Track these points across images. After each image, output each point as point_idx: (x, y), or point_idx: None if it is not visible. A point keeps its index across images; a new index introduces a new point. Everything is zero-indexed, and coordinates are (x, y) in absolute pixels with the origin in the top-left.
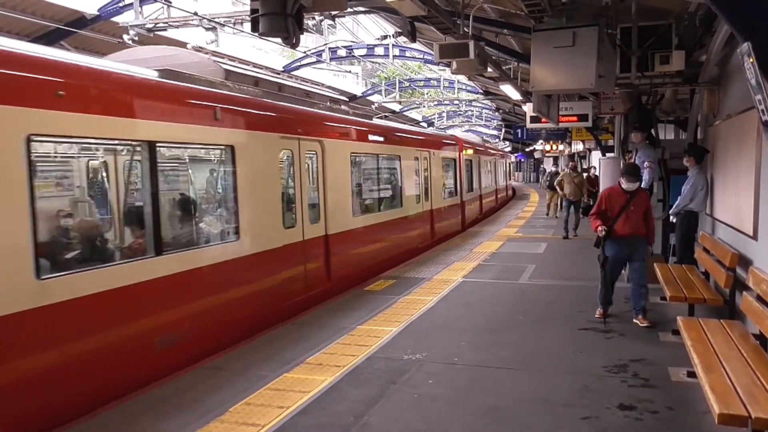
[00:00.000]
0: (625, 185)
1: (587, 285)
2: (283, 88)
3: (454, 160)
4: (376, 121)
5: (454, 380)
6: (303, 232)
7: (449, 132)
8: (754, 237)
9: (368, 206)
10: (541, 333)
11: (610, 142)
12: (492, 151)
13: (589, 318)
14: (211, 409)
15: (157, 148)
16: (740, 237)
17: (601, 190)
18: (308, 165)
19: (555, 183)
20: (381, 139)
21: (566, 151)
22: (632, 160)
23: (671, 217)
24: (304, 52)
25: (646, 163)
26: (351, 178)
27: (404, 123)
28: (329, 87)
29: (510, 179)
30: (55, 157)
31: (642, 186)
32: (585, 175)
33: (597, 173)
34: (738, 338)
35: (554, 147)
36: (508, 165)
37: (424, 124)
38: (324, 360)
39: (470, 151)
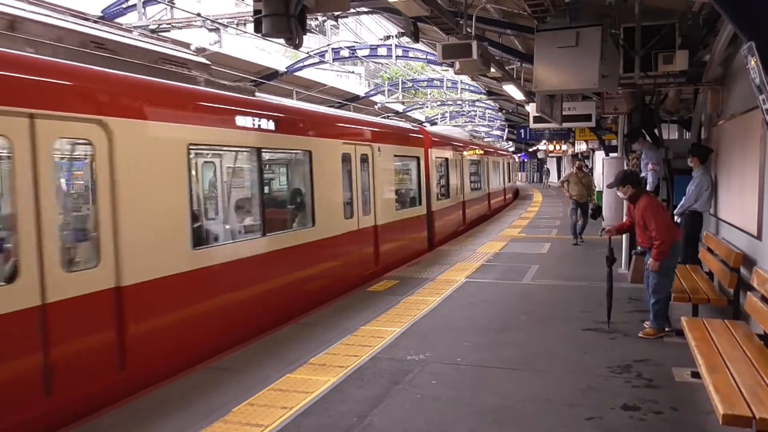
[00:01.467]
0: (619, 194)
1: (591, 285)
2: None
3: (418, 158)
4: (261, 96)
5: (457, 380)
6: (43, 288)
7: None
8: (759, 237)
9: (246, 228)
10: (545, 333)
11: (614, 142)
12: (483, 149)
13: (593, 318)
14: (214, 409)
15: None
16: (744, 237)
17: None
18: (67, 165)
19: (559, 183)
20: (267, 125)
21: (569, 151)
22: (636, 161)
23: (675, 217)
24: (307, 53)
25: (650, 165)
26: (190, 186)
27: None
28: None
29: (511, 181)
30: None
31: (647, 189)
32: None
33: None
34: (742, 338)
35: (557, 147)
36: (506, 164)
37: (427, 124)
38: (327, 360)
39: (445, 148)
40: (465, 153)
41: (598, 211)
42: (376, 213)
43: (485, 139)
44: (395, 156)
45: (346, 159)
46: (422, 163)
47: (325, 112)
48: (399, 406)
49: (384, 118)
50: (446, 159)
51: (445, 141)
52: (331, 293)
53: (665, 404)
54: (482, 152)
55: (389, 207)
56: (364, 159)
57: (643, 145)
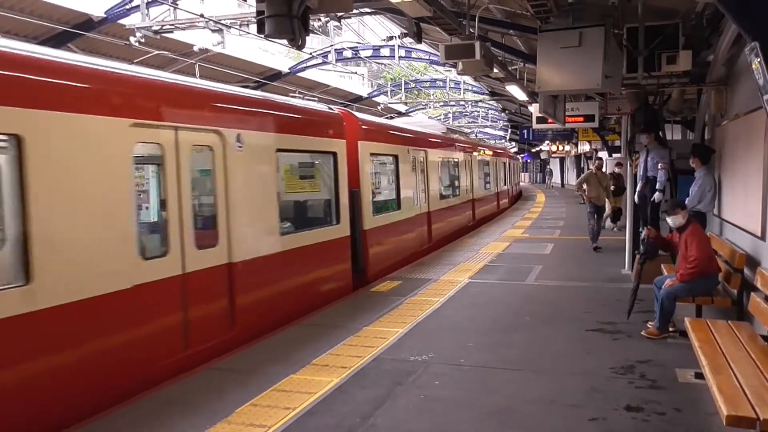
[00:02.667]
0: (672, 222)
1: (594, 286)
2: None
3: (335, 155)
4: None
5: (460, 381)
6: None
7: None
8: (762, 238)
9: None
10: (548, 334)
11: (617, 143)
12: (465, 145)
13: (597, 319)
14: (218, 410)
15: None
16: (748, 238)
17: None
18: None
19: (576, 185)
20: None
21: (573, 152)
22: (639, 162)
23: None
24: (310, 54)
25: (660, 164)
26: None
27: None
28: None
29: (509, 183)
30: None
31: (658, 187)
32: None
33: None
34: (746, 339)
35: (560, 148)
36: (501, 164)
37: (412, 113)
38: (330, 361)
39: (389, 142)
40: (433, 150)
41: (618, 214)
42: (232, 244)
43: (477, 135)
44: (280, 150)
45: (147, 155)
46: (341, 161)
47: (73, 61)
48: (402, 407)
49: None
50: (395, 157)
51: (389, 133)
52: (117, 393)
53: (669, 405)
54: (464, 149)
55: (264, 232)
56: (203, 155)
57: (651, 143)
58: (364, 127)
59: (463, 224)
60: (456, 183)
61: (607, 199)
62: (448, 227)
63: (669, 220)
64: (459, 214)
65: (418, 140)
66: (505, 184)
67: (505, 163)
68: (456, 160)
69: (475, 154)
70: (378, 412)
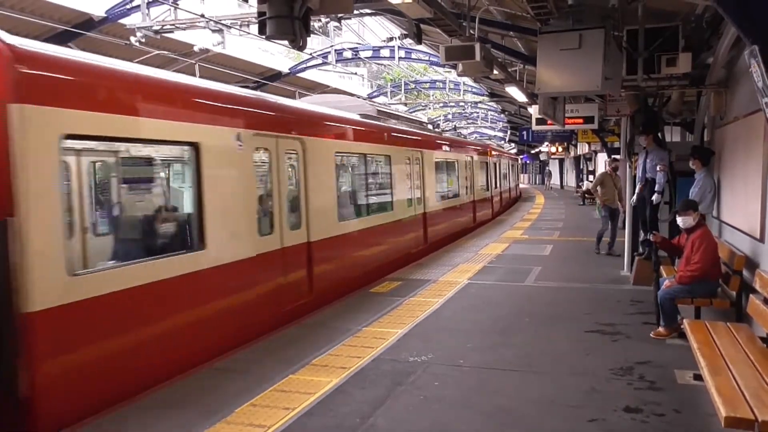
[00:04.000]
0: (683, 222)
1: (594, 287)
2: None
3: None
4: None
5: (460, 382)
6: None
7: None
8: (761, 240)
9: None
10: (548, 335)
11: (616, 144)
12: (412, 137)
13: (596, 320)
14: (217, 410)
15: None
16: (747, 240)
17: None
18: None
19: (591, 188)
20: None
21: (572, 154)
22: (638, 163)
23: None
24: (310, 54)
25: (659, 166)
26: None
27: None
28: None
29: (496, 189)
30: None
31: (657, 188)
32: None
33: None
34: (745, 341)
35: (559, 149)
36: (478, 165)
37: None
38: (330, 361)
39: (175, 115)
40: (322, 140)
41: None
42: None
43: (457, 129)
44: None
45: None
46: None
47: None
48: (402, 408)
49: None
50: (194, 146)
51: (161, 92)
52: None
53: (668, 406)
54: (410, 143)
55: None
56: None
57: (650, 145)
58: (40, 72)
59: (397, 255)
60: (388, 192)
61: (620, 202)
62: (362, 262)
63: (679, 220)
64: (390, 239)
65: (281, 120)
66: (487, 190)
67: (487, 162)
68: (387, 156)
69: (430, 150)
70: (378, 413)
